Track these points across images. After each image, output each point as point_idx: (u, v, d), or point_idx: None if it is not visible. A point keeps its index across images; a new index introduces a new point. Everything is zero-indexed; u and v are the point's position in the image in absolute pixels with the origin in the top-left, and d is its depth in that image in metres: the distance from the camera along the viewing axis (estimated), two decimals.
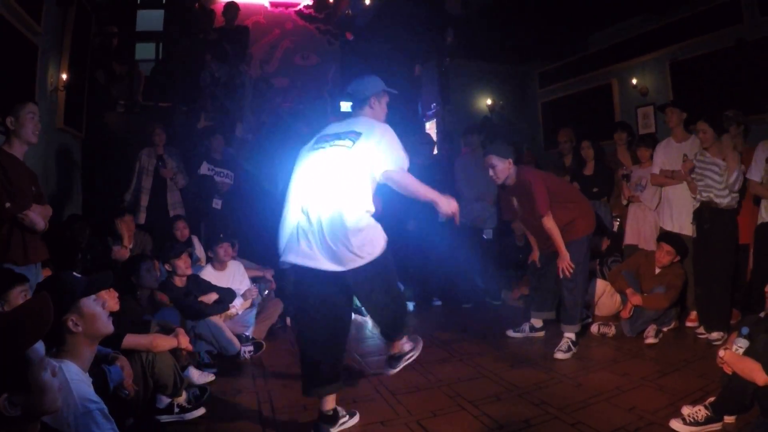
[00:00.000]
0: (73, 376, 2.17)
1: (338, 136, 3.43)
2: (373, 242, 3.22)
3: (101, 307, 2.39)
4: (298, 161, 3.52)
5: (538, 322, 5.59)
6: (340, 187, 3.23)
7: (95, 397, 2.19)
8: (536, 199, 4.87)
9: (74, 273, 2.47)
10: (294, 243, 3.29)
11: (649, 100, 8.02)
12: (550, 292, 5.47)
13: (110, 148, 7.12)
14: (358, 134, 3.38)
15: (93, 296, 2.39)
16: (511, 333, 5.63)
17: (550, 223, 4.93)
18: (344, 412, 3.56)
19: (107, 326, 2.41)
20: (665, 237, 5.63)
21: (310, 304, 3.41)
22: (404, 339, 3.68)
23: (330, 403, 3.48)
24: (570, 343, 4.93)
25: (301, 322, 3.67)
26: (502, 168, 4.94)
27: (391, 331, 3.63)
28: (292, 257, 3.31)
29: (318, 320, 3.39)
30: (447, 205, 3.35)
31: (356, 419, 3.59)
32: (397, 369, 3.67)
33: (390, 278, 3.48)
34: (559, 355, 4.84)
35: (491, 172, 4.99)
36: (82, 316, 2.30)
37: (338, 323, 3.49)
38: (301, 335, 3.62)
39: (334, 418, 3.47)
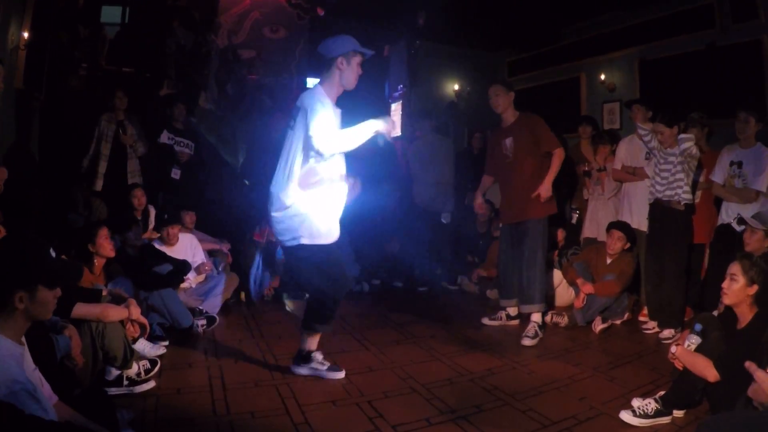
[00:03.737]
0: (1, 353, 2.07)
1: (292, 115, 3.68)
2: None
3: (54, 297, 2.27)
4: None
5: (513, 311, 5.50)
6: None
7: (22, 377, 2.05)
8: (545, 135, 5.12)
9: (51, 250, 2.29)
10: None
11: (616, 96, 8.05)
12: (516, 278, 5.36)
13: (70, 111, 6.91)
14: (298, 109, 3.61)
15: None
16: (486, 321, 5.59)
17: (558, 157, 5.05)
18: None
19: (49, 314, 2.28)
20: (614, 224, 5.73)
21: None
22: (314, 338, 3.97)
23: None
24: (537, 329, 4.96)
25: None
26: (505, 98, 5.27)
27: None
28: None
29: None
30: (383, 125, 3.60)
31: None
32: (298, 371, 3.93)
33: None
34: (526, 342, 4.85)
35: (492, 101, 5.32)
36: (33, 299, 2.12)
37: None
38: None
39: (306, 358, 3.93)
